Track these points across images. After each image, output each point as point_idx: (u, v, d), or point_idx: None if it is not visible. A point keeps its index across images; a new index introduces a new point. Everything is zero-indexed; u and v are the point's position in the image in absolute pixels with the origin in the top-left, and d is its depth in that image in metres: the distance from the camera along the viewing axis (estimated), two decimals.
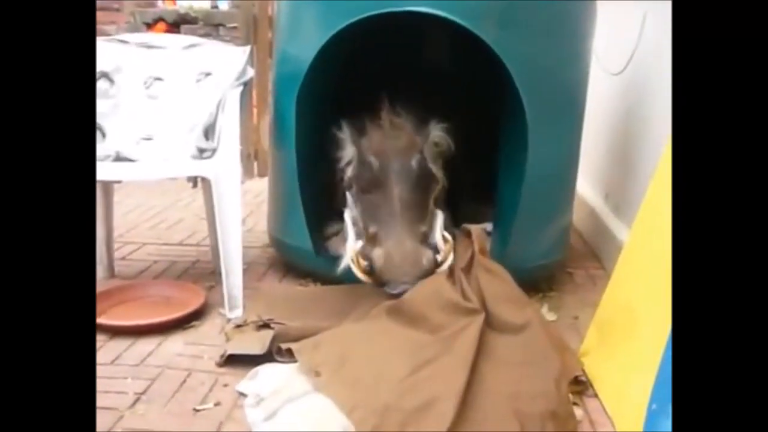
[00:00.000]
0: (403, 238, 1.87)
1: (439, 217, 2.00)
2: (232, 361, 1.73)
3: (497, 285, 1.86)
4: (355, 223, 2.00)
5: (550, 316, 2.05)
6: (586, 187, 3.03)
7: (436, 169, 2.03)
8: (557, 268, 2.38)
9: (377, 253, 1.87)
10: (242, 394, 1.59)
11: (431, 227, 1.97)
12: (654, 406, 1.36)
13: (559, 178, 2.24)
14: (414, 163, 1.96)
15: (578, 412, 1.55)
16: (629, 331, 1.60)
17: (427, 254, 1.88)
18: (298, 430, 1.38)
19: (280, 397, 1.48)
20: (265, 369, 1.65)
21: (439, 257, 1.89)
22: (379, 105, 2.08)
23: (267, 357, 1.71)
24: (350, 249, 1.94)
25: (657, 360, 1.39)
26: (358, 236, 1.97)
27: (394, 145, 1.99)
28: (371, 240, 1.92)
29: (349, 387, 1.52)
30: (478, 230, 2.02)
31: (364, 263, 1.87)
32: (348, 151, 2.04)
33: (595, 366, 1.70)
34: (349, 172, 2.04)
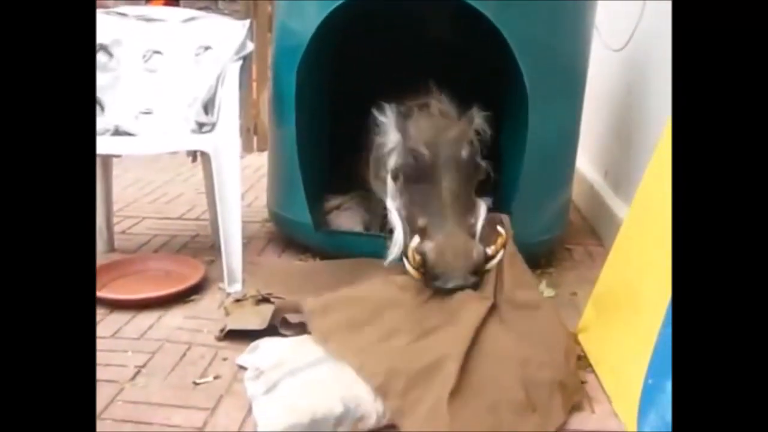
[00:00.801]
0: (455, 231, 1.81)
1: (483, 208, 1.94)
2: (232, 335, 1.74)
3: (514, 270, 1.86)
4: (400, 214, 1.93)
5: (549, 292, 2.06)
6: (586, 163, 3.03)
7: (481, 159, 1.97)
8: (556, 244, 2.39)
9: (428, 246, 1.79)
10: (242, 368, 1.60)
11: (476, 218, 1.92)
12: (650, 381, 1.37)
13: (559, 154, 2.24)
14: (464, 153, 1.90)
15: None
16: (627, 307, 1.61)
17: (478, 248, 1.81)
18: (297, 403, 1.39)
19: (280, 370, 1.49)
20: (265, 342, 1.66)
21: (490, 251, 1.83)
22: (426, 90, 2.02)
23: (267, 331, 1.72)
24: (398, 241, 1.88)
25: (654, 336, 1.40)
26: (406, 229, 1.90)
27: (445, 135, 1.91)
28: (420, 233, 1.85)
29: (358, 353, 1.54)
30: (507, 219, 2.01)
31: (417, 257, 1.79)
32: (391, 138, 1.96)
33: (593, 342, 1.71)
34: (392, 161, 1.97)
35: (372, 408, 1.40)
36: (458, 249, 1.78)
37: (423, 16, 2.57)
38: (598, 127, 2.93)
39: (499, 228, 1.87)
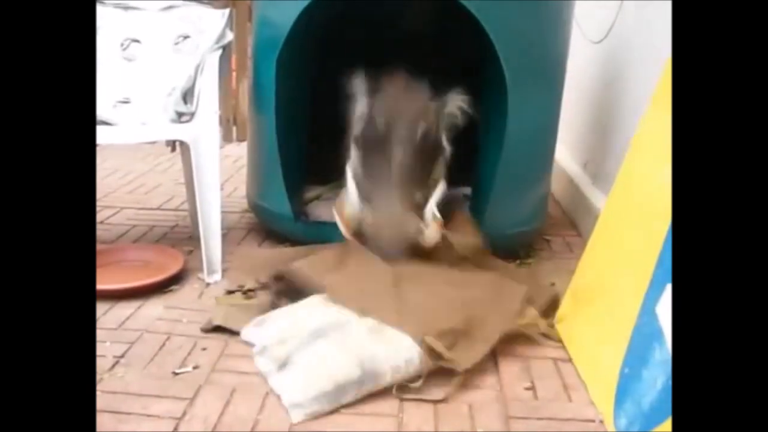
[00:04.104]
0: (395, 204, 1.86)
1: (440, 189, 1.98)
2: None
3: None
4: (356, 179, 1.98)
5: None
6: (565, 155, 3.05)
7: (445, 140, 1.98)
8: (535, 235, 2.40)
9: (368, 220, 1.88)
10: (248, 343, 1.62)
11: (429, 196, 1.96)
12: (626, 370, 1.39)
13: (539, 145, 2.25)
14: (420, 130, 1.92)
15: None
16: (604, 297, 1.63)
17: (416, 224, 1.86)
18: (317, 373, 1.42)
19: (288, 345, 1.51)
20: (271, 316, 1.68)
21: (426, 233, 1.88)
22: (397, 67, 2.02)
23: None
24: (352, 202, 1.96)
25: (630, 325, 1.41)
26: (360, 193, 1.96)
27: (404, 109, 1.94)
28: (367, 200, 1.93)
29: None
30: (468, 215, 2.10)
31: (352, 223, 1.89)
32: (360, 105, 1.99)
33: (570, 331, 1.72)
34: (357, 128, 2.00)
35: (386, 364, 1.46)
36: (394, 223, 1.86)
37: (404, 6, 2.57)
38: (577, 119, 2.94)
39: (436, 212, 1.94)
